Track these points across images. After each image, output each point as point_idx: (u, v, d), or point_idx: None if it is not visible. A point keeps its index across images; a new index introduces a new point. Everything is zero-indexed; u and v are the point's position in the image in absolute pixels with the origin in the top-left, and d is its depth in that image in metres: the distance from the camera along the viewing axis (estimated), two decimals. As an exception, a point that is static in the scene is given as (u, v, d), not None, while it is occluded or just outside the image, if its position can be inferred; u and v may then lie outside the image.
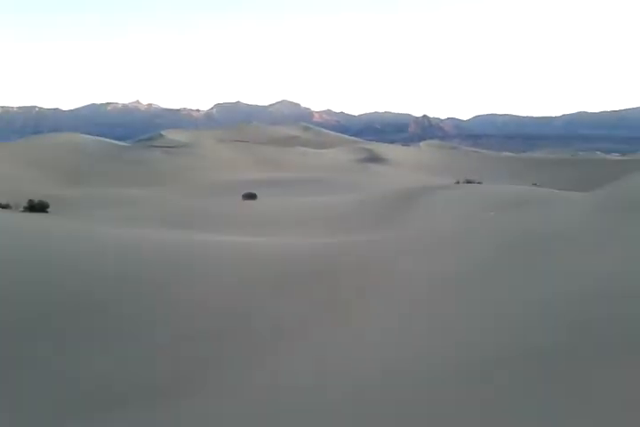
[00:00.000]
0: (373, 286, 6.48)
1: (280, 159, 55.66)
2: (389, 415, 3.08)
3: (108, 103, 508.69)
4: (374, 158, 60.80)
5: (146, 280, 7.09)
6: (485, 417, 2.74)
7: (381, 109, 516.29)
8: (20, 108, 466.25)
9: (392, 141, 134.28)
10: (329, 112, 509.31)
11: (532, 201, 15.06)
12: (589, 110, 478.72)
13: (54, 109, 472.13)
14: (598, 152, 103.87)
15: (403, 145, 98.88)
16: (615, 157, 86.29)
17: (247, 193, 29.24)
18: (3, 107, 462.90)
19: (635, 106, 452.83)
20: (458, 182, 31.52)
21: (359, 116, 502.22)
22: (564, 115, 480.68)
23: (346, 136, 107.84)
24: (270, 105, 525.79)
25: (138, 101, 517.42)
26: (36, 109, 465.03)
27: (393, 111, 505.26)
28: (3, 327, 5.36)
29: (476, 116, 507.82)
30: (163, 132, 70.11)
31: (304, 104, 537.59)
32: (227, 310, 6.26)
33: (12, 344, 5.11)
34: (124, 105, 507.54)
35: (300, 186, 33.86)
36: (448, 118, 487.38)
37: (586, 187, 20.28)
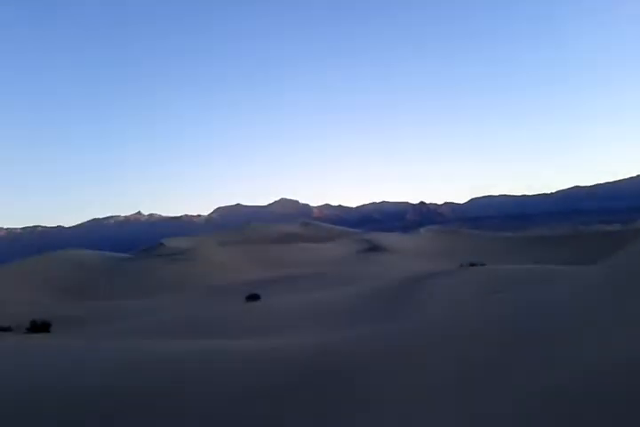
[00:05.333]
0: (369, 390, 6.20)
1: (281, 257, 55.80)
2: None
3: (109, 217, 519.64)
4: (375, 248, 60.96)
5: (149, 393, 6.83)
6: None
7: (378, 199, 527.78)
8: (23, 228, 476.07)
9: (391, 230, 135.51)
10: (327, 206, 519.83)
11: (534, 279, 14.87)
12: (583, 184, 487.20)
13: (57, 227, 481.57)
14: (599, 224, 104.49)
15: (402, 233, 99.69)
16: (616, 227, 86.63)
17: (250, 294, 29.01)
18: (7, 229, 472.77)
19: (629, 176, 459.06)
20: (461, 266, 31.36)
21: (357, 207, 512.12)
22: (558, 191, 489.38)
23: (345, 228, 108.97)
24: (269, 204, 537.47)
25: (139, 212, 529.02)
26: (39, 229, 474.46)
27: (390, 200, 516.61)
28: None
29: (473, 199, 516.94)
30: (163, 241, 70.84)
31: (302, 200, 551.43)
32: (232, 422, 5.94)
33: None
34: (125, 217, 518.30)
35: (304, 282, 33.60)
36: (445, 203, 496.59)
37: (589, 260, 20.15)
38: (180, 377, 7.88)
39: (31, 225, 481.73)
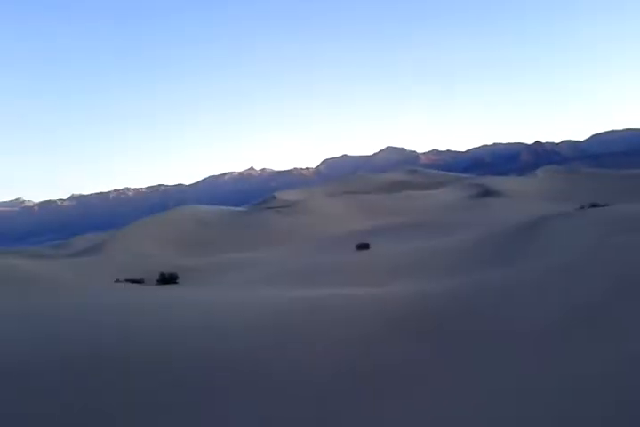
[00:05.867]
0: (471, 335, 6.06)
1: (390, 205, 55.56)
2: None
3: (224, 173, 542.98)
4: (487, 193, 58.80)
5: (266, 339, 7.21)
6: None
7: (489, 141, 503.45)
8: (147, 187, 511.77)
9: (505, 173, 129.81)
10: (435, 152, 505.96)
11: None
12: None
13: (178, 185, 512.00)
14: None
15: (517, 175, 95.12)
16: None
17: (360, 243, 29.31)
18: (134, 189, 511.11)
19: None
20: (582, 207, 29.46)
21: (467, 151, 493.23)
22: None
23: (454, 174, 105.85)
24: (375, 154, 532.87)
25: (252, 168, 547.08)
26: (162, 188, 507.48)
27: (502, 142, 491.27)
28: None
29: (595, 135, 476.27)
30: (275, 194, 73.18)
31: (409, 147, 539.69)
32: (344, 363, 6.14)
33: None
34: (239, 173, 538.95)
35: (414, 230, 33.37)
36: (563, 141, 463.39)
37: None
38: (287, 320, 8.25)
39: (155, 184, 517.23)
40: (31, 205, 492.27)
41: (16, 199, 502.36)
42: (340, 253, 27.44)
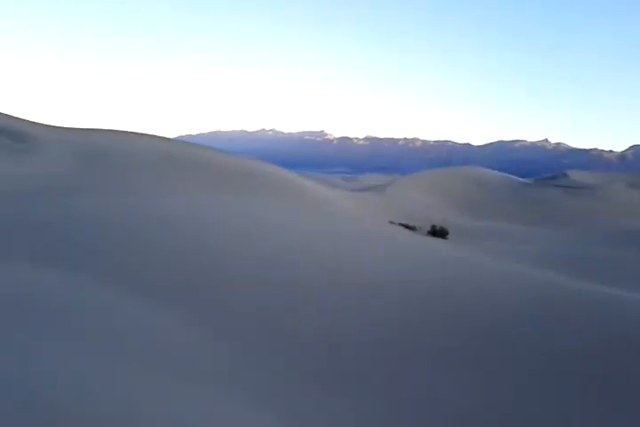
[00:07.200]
0: None
1: None
2: None
3: (515, 140, 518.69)
4: None
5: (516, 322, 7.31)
6: None
7: None
8: (435, 141, 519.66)
9: None
10: None
11: None
12: None
13: (465, 144, 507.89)
14: None
15: None
16: None
17: (655, 247, 25.91)
18: (422, 140, 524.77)
19: None
20: None
21: None
22: None
23: None
24: None
25: (546, 140, 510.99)
26: (450, 144, 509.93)
27: None
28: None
29: None
30: (567, 172, 67.62)
31: None
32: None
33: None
34: (531, 143, 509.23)
35: None
36: None
37: None
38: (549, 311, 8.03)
39: (442, 140, 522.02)
40: (331, 138, 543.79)
41: (320, 131, 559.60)
42: (624, 253, 24.73)
